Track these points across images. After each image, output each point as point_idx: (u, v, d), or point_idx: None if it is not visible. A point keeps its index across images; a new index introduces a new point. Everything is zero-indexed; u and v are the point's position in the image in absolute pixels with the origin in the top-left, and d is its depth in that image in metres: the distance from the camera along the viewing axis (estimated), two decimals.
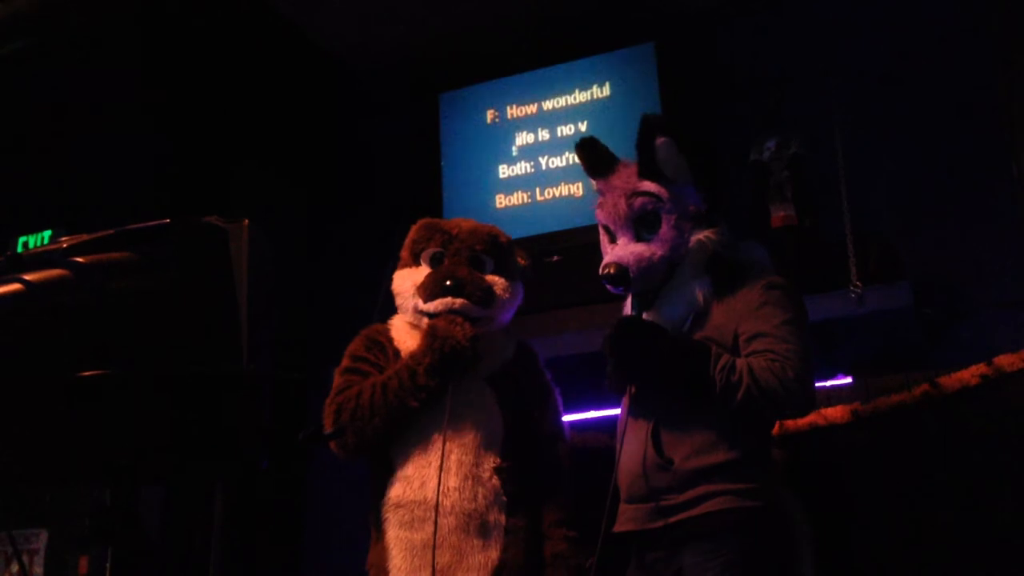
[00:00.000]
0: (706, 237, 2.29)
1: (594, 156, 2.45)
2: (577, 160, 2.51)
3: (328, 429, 2.35)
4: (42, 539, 4.31)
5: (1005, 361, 2.49)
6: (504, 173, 4.45)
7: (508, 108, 4.53)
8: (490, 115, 4.56)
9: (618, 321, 2.28)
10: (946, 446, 2.58)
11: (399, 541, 2.31)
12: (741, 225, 2.64)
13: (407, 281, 2.54)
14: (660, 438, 2.19)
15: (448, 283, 2.43)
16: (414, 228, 2.64)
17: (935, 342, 3.62)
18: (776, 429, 2.49)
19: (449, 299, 2.42)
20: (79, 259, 1.13)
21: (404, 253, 2.62)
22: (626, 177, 2.35)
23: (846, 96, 3.85)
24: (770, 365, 2.08)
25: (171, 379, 1.15)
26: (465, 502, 2.30)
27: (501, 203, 4.41)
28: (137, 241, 1.18)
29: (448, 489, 2.30)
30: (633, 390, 2.33)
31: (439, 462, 2.31)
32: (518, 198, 4.39)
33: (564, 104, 4.43)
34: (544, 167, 4.38)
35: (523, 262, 2.67)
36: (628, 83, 4.31)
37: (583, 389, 3.00)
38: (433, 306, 2.44)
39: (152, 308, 1.16)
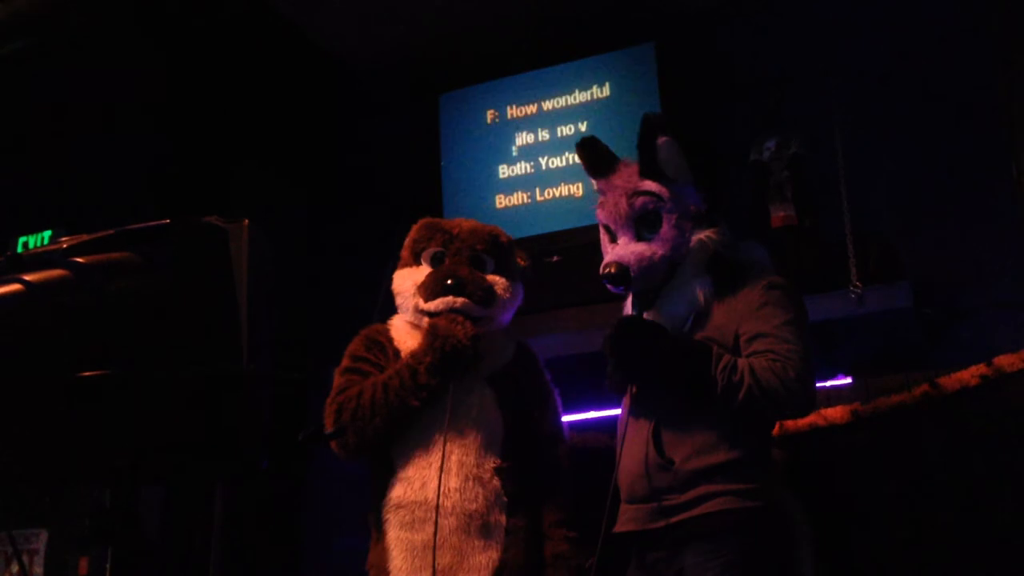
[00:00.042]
0: (707, 237, 2.29)
1: (595, 156, 2.45)
2: (577, 160, 2.51)
3: (329, 429, 2.35)
4: (42, 539, 4.32)
5: (1005, 361, 2.49)
6: (504, 173, 4.45)
7: (508, 108, 4.53)
8: (490, 115, 4.56)
9: (619, 321, 2.27)
10: (946, 446, 2.58)
11: (400, 542, 2.31)
12: (741, 225, 2.64)
13: (408, 281, 2.54)
14: (661, 438, 2.19)
15: (449, 282, 2.43)
16: (415, 228, 2.63)
17: (935, 342, 3.62)
18: (776, 429, 2.49)
19: (450, 298, 2.42)
20: (79, 259, 1.13)
21: (404, 253, 2.62)
22: (627, 176, 2.35)
23: (846, 96, 3.85)
24: (771, 365, 2.08)
25: (171, 379, 1.15)
26: (466, 503, 2.30)
27: (501, 203, 4.41)
28: (137, 241, 1.18)
29: (449, 490, 2.30)
30: (634, 390, 2.33)
31: (440, 463, 2.31)
32: (518, 198, 4.39)
33: (564, 104, 4.43)
34: (544, 167, 4.38)
35: (523, 263, 2.67)
36: (628, 83, 4.31)
37: (583, 389, 3.00)
38: (434, 305, 2.43)
39: (152, 308, 1.16)
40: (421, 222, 2.65)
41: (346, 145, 5.11)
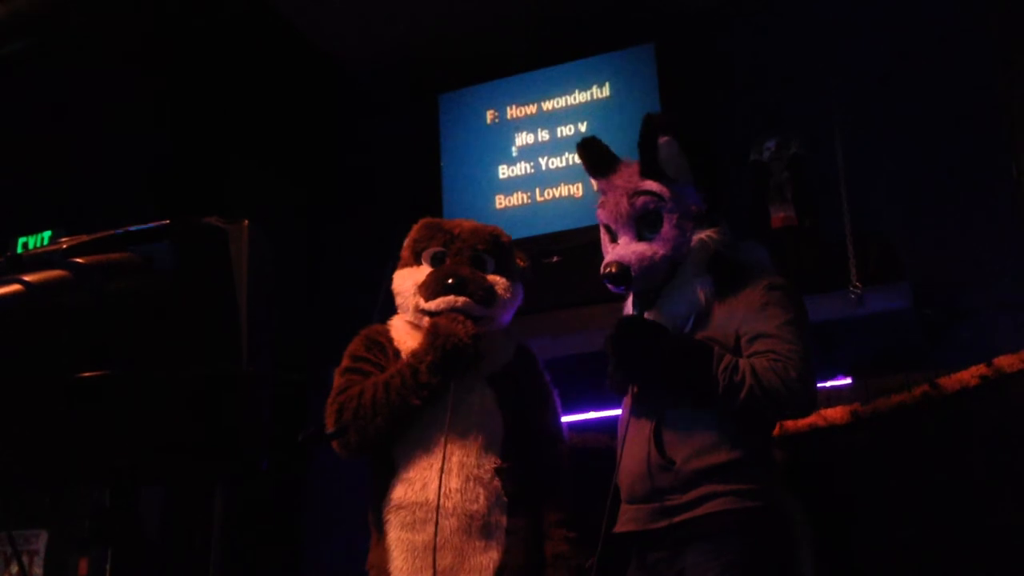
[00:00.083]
0: (708, 236, 2.29)
1: (596, 156, 2.45)
2: (577, 160, 2.51)
3: (330, 429, 2.35)
4: (42, 540, 4.31)
5: (1005, 362, 2.49)
6: (504, 174, 4.45)
7: (508, 108, 4.53)
8: (490, 116, 4.56)
9: (620, 320, 2.28)
10: (946, 447, 2.58)
11: (400, 542, 2.31)
12: (741, 225, 2.64)
13: (408, 280, 2.54)
14: (662, 438, 2.19)
15: (450, 281, 2.43)
16: (415, 227, 2.64)
17: (935, 343, 3.61)
18: (776, 430, 2.49)
19: (451, 297, 2.42)
20: (79, 260, 1.13)
21: (405, 252, 2.62)
22: (628, 176, 2.35)
23: (846, 96, 3.85)
24: (773, 365, 2.08)
25: (171, 379, 1.15)
26: (467, 503, 2.30)
27: (501, 203, 4.41)
28: (137, 242, 1.18)
29: (450, 491, 2.30)
30: (635, 390, 2.33)
31: (440, 463, 2.31)
32: (518, 198, 4.39)
33: (564, 104, 4.43)
34: (544, 168, 4.38)
35: (522, 263, 2.67)
36: (628, 83, 4.31)
37: (583, 390, 3.00)
38: (435, 304, 2.43)
39: (152, 308, 1.16)
40: (421, 222, 2.65)
41: (346, 145, 5.11)
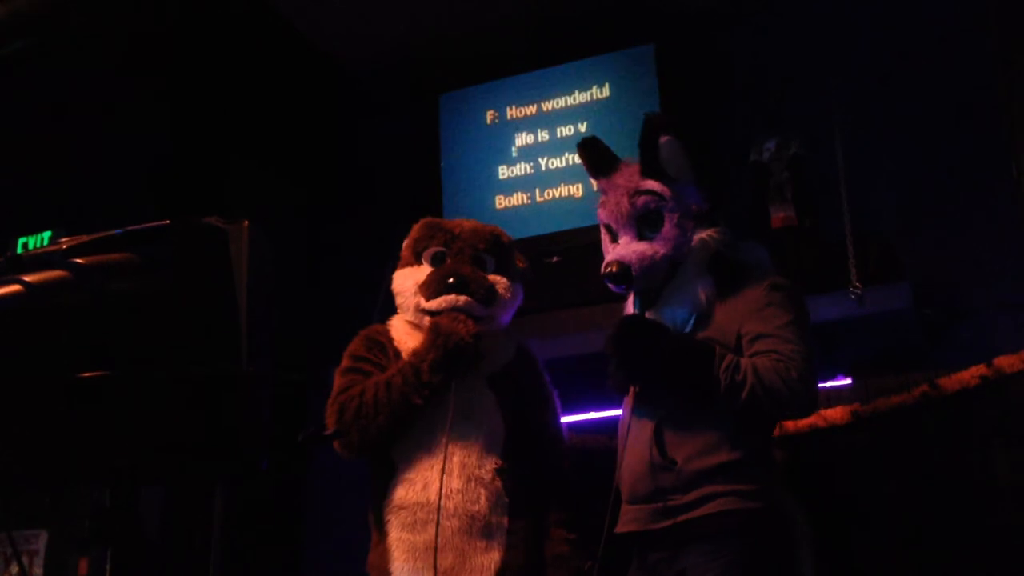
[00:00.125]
0: (709, 236, 2.29)
1: (596, 156, 2.45)
2: (577, 160, 2.51)
3: (330, 429, 2.35)
4: (42, 540, 4.31)
5: (1005, 362, 2.49)
6: (504, 174, 4.45)
7: (508, 109, 4.53)
8: (490, 116, 4.56)
9: (621, 320, 2.28)
10: (946, 447, 2.58)
11: (401, 543, 2.31)
12: (741, 225, 2.64)
13: (408, 280, 2.54)
14: (663, 438, 2.19)
15: (452, 280, 2.43)
16: (416, 227, 2.64)
17: (935, 343, 3.61)
18: (776, 430, 2.49)
19: (452, 296, 2.42)
20: (79, 260, 1.13)
21: (405, 252, 2.62)
22: (628, 176, 2.35)
23: (846, 96, 3.85)
24: (774, 365, 2.08)
25: (171, 379, 1.15)
26: (468, 504, 2.30)
27: (501, 204, 4.41)
28: (137, 242, 1.18)
29: (451, 491, 2.30)
30: (636, 390, 2.33)
31: (442, 464, 2.31)
32: (518, 199, 4.39)
33: (564, 105, 4.43)
34: (544, 168, 4.38)
35: (521, 264, 2.68)
36: (628, 84, 4.31)
37: (583, 390, 3.00)
38: (436, 304, 2.43)
39: (152, 309, 1.16)
40: (422, 222, 2.65)
41: (346, 145, 5.11)
